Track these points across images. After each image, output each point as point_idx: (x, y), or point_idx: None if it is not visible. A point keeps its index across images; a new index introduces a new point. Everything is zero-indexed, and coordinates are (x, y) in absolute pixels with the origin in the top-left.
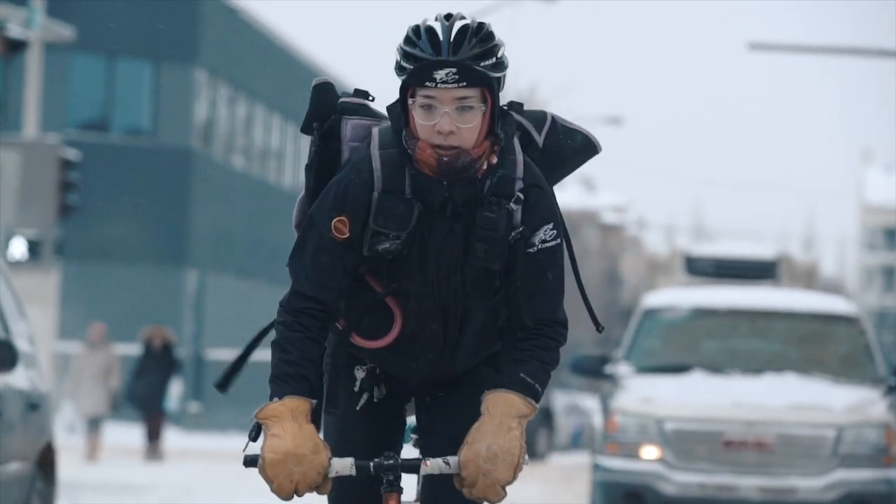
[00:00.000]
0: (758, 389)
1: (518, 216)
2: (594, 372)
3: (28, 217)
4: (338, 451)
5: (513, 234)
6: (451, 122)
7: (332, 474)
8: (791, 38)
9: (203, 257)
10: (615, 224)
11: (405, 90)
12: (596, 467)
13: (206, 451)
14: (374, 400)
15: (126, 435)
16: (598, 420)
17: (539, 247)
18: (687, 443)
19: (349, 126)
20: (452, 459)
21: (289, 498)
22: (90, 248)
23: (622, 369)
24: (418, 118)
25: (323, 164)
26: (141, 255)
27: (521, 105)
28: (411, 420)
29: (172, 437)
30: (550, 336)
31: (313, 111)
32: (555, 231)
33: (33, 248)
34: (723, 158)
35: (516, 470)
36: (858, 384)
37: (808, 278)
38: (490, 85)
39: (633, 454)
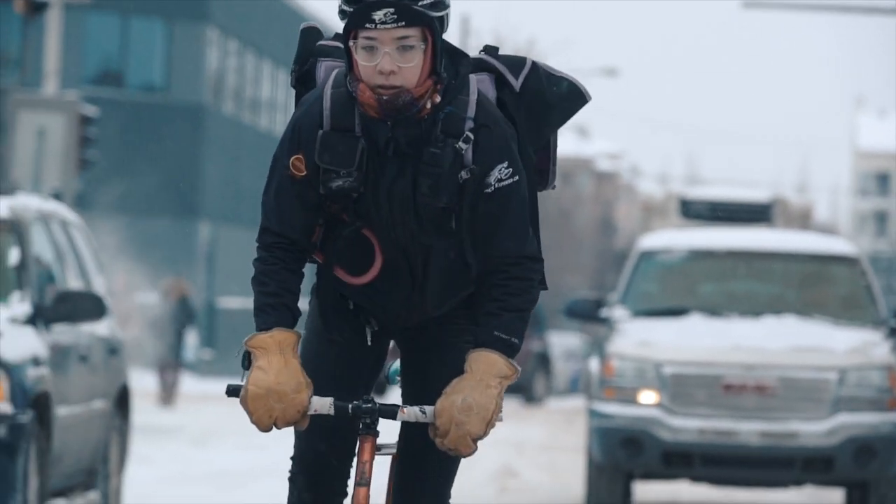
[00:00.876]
0: (757, 332)
1: (469, 155)
2: (589, 316)
3: (49, 171)
4: (314, 376)
5: (462, 172)
6: (391, 61)
7: (311, 412)
8: None
9: (215, 209)
10: (609, 171)
11: (347, 33)
12: (592, 413)
13: (220, 396)
14: (375, 328)
15: (139, 381)
16: (594, 364)
17: (496, 186)
18: (685, 387)
19: (322, 68)
20: (429, 409)
21: (266, 430)
22: (107, 201)
23: (618, 313)
24: (360, 60)
25: None
26: (155, 208)
27: (496, 49)
28: (397, 364)
29: (187, 384)
30: (520, 276)
31: (298, 55)
32: (510, 169)
33: (58, 198)
34: (717, 108)
35: (488, 425)
36: (860, 326)
37: (803, 221)
38: (430, 24)
39: (631, 399)
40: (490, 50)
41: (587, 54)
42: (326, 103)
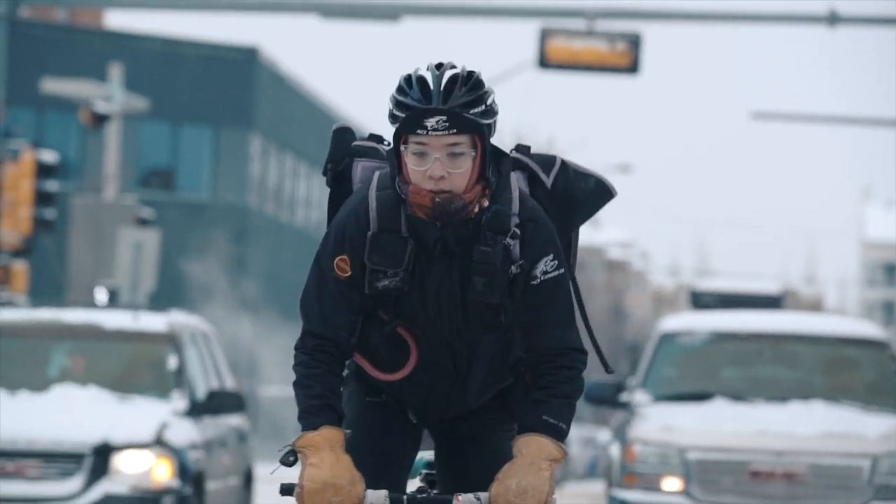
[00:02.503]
0: (785, 417)
1: (516, 250)
2: (608, 400)
3: (107, 268)
4: (355, 458)
5: (512, 267)
6: (442, 167)
7: None
8: (793, 103)
9: (256, 301)
10: (620, 260)
11: (398, 138)
12: (613, 500)
13: (264, 478)
14: (414, 421)
15: None
16: (614, 450)
17: (541, 278)
18: (711, 473)
19: (359, 168)
20: (483, 495)
21: None
22: (158, 296)
23: (639, 397)
24: (411, 164)
25: (337, 206)
26: (203, 303)
27: (528, 148)
28: (423, 455)
29: None
30: (567, 365)
31: (331, 154)
32: (556, 262)
33: (113, 296)
34: (726, 200)
35: None
36: (891, 412)
37: (814, 312)
38: (480, 131)
39: (654, 486)
40: (522, 149)
41: (603, 151)
42: (373, 204)
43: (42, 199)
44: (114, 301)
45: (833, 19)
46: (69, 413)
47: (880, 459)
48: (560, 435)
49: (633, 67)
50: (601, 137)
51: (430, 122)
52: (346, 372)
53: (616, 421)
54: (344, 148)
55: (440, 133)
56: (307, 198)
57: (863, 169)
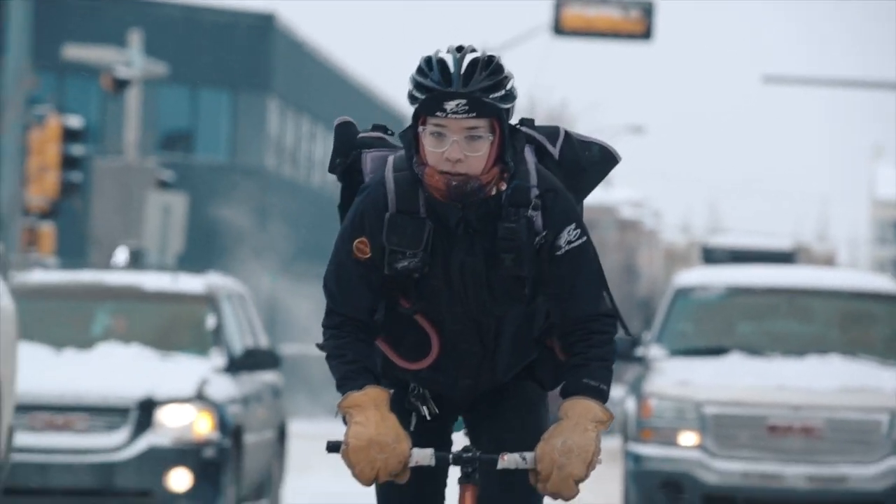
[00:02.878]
0: (802, 372)
1: (539, 222)
2: (624, 355)
3: (131, 229)
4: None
5: (536, 239)
6: (459, 150)
7: (413, 464)
8: (804, 68)
9: (275, 262)
10: (632, 219)
11: (417, 118)
12: (629, 455)
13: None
14: (427, 418)
15: None
16: (630, 405)
17: (566, 248)
18: (728, 428)
19: (368, 158)
20: (529, 455)
21: (368, 483)
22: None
23: (654, 352)
24: (428, 145)
25: (350, 200)
26: (223, 266)
27: (532, 120)
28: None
29: None
30: (599, 330)
31: (336, 149)
32: (578, 230)
33: (135, 256)
34: (737, 163)
35: (589, 466)
36: None
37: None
38: (499, 115)
39: (670, 440)
40: (526, 122)
41: (615, 114)
42: (390, 186)
43: (68, 162)
44: (136, 262)
45: None
46: (114, 370)
47: None
48: (603, 396)
49: (646, 34)
50: (614, 101)
51: (450, 105)
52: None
53: (631, 376)
54: (350, 141)
55: (459, 116)
56: (324, 160)
57: (874, 129)
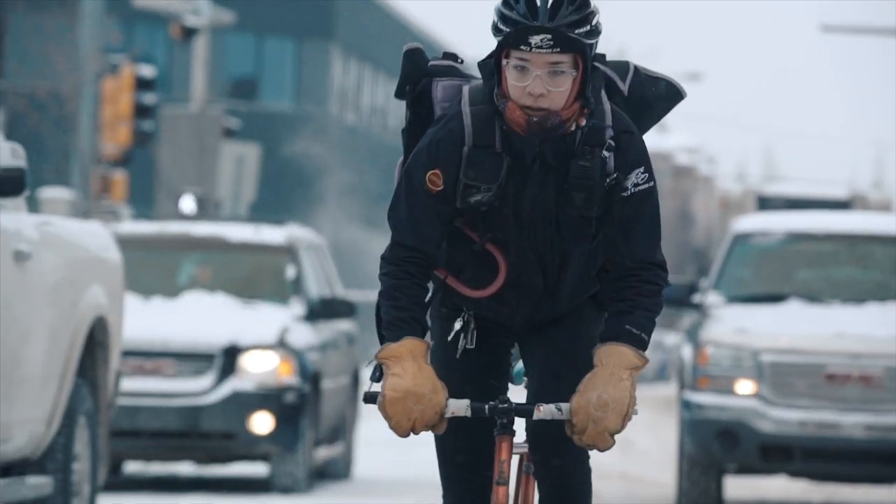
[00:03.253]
0: (861, 319)
1: (611, 163)
2: (681, 301)
3: (200, 177)
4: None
5: (608, 180)
6: (542, 84)
7: (448, 414)
8: (862, 17)
9: (335, 209)
10: (687, 165)
11: (500, 50)
12: (685, 403)
13: None
14: (469, 346)
15: None
16: (686, 352)
17: (632, 190)
18: (785, 377)
19: (439, 87)
20: (564, 406)
21: (405, 435)
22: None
23: (712, 299)
24: (511, 79)
25: (417, 127)
26: (284, 210)
27: (603, 56)
28: (520, 364)
29: None
30: (650, 280)
31: (405, 76)
32: (646, 174)
33: (202, 203)
34: (793, 111)
35: (625, 419)
36: None
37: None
38: (583, 51)
39: (727, 389)
40: (598, 58)
41: (673, 60)
42: (467, 119)
43: (141, 111)
44: (202, 208)
45: None
46: (200, 317)
47: None
48: (642, 345)
49: None
50: (671, 48)
51: (535, 40)
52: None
53: (688, 323)
54: (420, 68)
55: (544, 51)
56: (384, 108)
57: None
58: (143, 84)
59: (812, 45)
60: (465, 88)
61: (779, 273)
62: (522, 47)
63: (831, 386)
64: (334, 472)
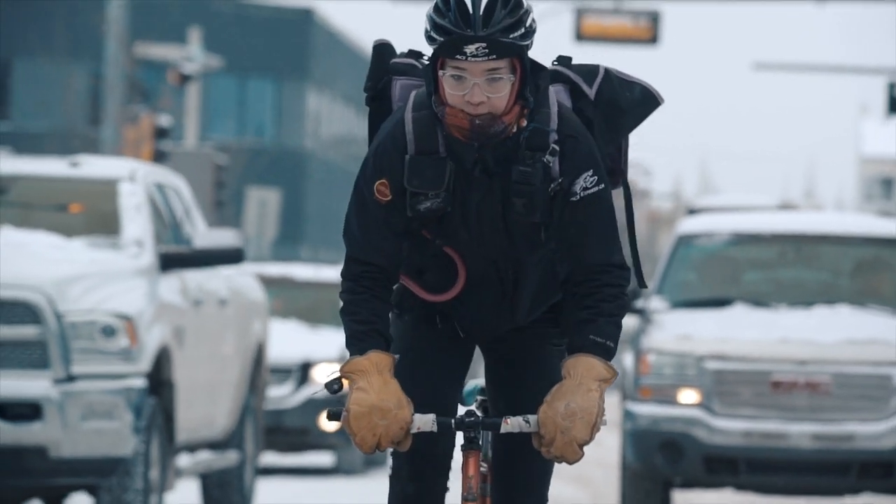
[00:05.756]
0: (808, 324)
1: (556, 167)
2: None
3: (268, 230)
4: (405, 384)
5: (552, 185)
6: (481, 92)
7: (414, 430)
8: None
9: (314, 235)
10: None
11: (435, 59)
12: (627, 414)
13: None
14: (440, 325)
15: None
16: (628, 361)
17: (581, 194)
18: (730, 385)
19: (398, 86)
20: (532, 418)
21: (370, 451)
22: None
23: (654, 304)
24: (448, 88)
25: (378, 125)
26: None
27: (569, 59)
28: (473, 383)
29: None
30: (611, 283)
31: (372, 72)
32: (596, 177)
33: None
34: (728, 133)
35: (594, 429)
36: None
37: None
38: (520, 54)
39: (669, 398)
40: (564, 60)
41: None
42: (409, 127)
43: (158, 157)
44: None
45: None
46: (279, 340)
47: None
48: (608, 354)
49: (653, 39)
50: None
51: (470, 49)
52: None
53: (630, 329)
54: (383, 66)
55: (480, 59)
56: (355, 137)
57: (860, 85)
58: (160, 132)
59: (746, 81)
60: (413, 93)
61: (724, 276)
62: (458, 57)
63: (777, 394)
64: (384, 459)
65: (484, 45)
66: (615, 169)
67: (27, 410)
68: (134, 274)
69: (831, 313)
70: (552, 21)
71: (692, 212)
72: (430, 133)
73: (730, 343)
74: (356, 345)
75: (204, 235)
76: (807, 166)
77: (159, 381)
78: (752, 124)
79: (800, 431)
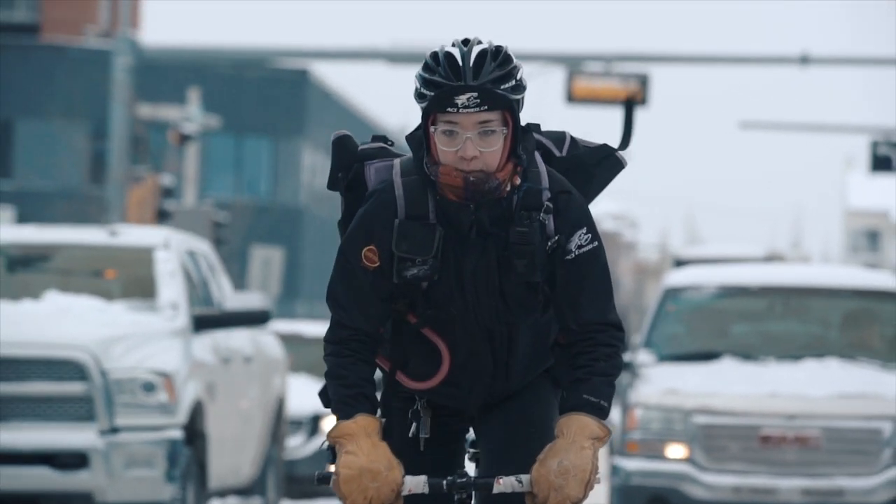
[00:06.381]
0: (797, 378)
1: (551, 225)
2: None
3: (272, 288)
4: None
5: (549, 243)
6: (474, 146)
7: (406, 492)
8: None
9: (310, 289)
10: (612, 231)
11: (426, 117)
12: (614, 469)
13: None
14: (425, 435)
15: None
16: (615, 415)
17: (576, 252)
18: (718, 439)
19: (372, 170)
20: (525, 477)
21: None
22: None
23: (642, 357)
24: (441, 144)
25: (352, 214)
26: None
27: (538, 125)
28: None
29: None
30: (605, 342)
31: (336, 164)
32: (589, 234)
33: None
34: (714, 186)
35: (587, 487)
36: None
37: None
38: (511, 107)
39: (657, 453)
40: (532, 126)
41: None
42: (399, 191)
43: (162, 216)
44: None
45: (805, 60)
46: (292, 393)
47: None
48: (602, 413)
49: (642, 101)
50: (601, 134)
51: (461, 100)
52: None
53: (618, 383)
54: (350, 154)
55: (472, 110)
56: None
57: (845, 139)
58: (165, 192)
59: (733, 140)
60: (397, 161)
61: (712, 329)
62: (449, 109)
63: (766, 449)
64: None
65: (475, 94)
66: None
67: (75, 460)
68: (170, 334)
69: (820, 367)
70: (544, 83)
71: (679, 262)
72: (420, 197)
73: (718, 397)
74: (343, 409)
75: (233, 298)
76: (793, 219)
77: (193, 432)
78: (739, 180)
79: (789, 486)
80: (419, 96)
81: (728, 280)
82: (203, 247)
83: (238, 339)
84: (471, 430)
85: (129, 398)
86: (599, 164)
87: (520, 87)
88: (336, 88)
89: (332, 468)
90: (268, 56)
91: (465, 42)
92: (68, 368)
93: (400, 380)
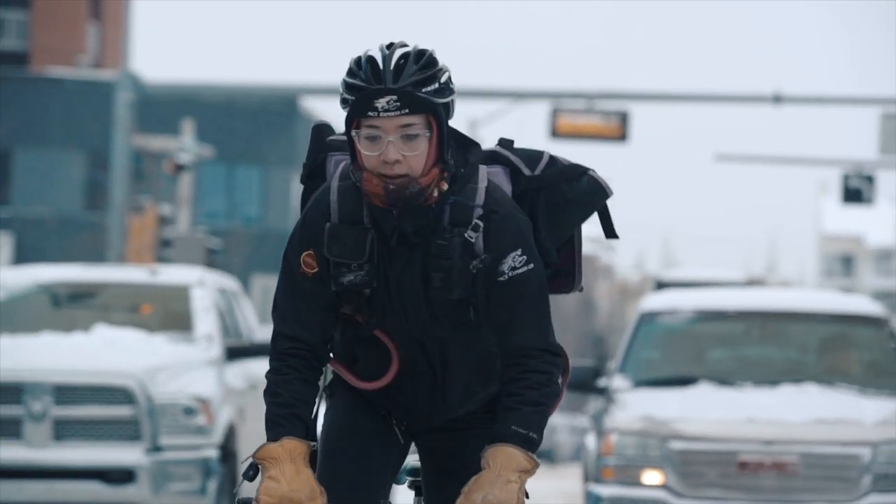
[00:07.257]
0: (775, 403)
1: (479, 244)
2: (585, 386)
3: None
4: (335, 479)
5: (473, 262)
6: (396, 150)
7: None
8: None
9: None
10: (588, 254)
11: (350, 122)
12: (590, 496)
13: None
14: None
15: None
16: (590, 441)
17: (510, 274)
18: (695, 465)
19: (332, 162)
20: None
21: None
22: None
23: (617, 382)
24: (364, 149)
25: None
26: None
27: (511, 142)
28: (409, 460)
29: None
30: (539, 369)
31: (310, 152)
32: (524, 256)
33: None
34: (690, 212)
35: None
36: (890, 395)
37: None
38: (435, 111)
39: (633, 480)
40: (505, 143)
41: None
42: (333, 196)
43: (163, 243)
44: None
45: (777, 99)
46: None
47: (879, 447)
48: (531, 445)
49: (622, 137)
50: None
51: (381, 103)
52: (331, 377)
53: (593, 408)
54: (321, 144)
55: (392, 114)
56: None
57: (819, 172)
58: (164, 220)
59: (708, 171)
60: (342, 164)
61: (688, 354)
62: (370, 113)
63: (744, 475)
64: None
65: (395, 98)
66: (569, 269)
67: (123, 475)
68: (206, 363)
69: (798, 392)
70: (529, 119)
71: (661, 285)
72: (354, 201)
73: (694, 423)
74: (273, 429)
75: (259, 330)
76: (767, 244)
77: (227, 452)
78: (715, 210)
79: None
80: (343, 102)
81: (704, 304)
82: (231, 284)
83: (265, 366)
84: (410, 458)
85: (172, 421)
86: (573, 187)
87: (445, 91)
88: (325, 118)
89: (254, 494)
90: (260, 91)
91: (389, 45)
92: (118, 394)
93: (348, 379)
